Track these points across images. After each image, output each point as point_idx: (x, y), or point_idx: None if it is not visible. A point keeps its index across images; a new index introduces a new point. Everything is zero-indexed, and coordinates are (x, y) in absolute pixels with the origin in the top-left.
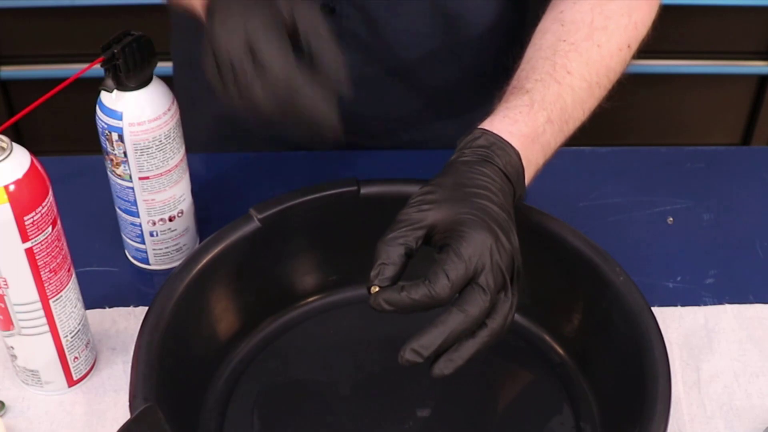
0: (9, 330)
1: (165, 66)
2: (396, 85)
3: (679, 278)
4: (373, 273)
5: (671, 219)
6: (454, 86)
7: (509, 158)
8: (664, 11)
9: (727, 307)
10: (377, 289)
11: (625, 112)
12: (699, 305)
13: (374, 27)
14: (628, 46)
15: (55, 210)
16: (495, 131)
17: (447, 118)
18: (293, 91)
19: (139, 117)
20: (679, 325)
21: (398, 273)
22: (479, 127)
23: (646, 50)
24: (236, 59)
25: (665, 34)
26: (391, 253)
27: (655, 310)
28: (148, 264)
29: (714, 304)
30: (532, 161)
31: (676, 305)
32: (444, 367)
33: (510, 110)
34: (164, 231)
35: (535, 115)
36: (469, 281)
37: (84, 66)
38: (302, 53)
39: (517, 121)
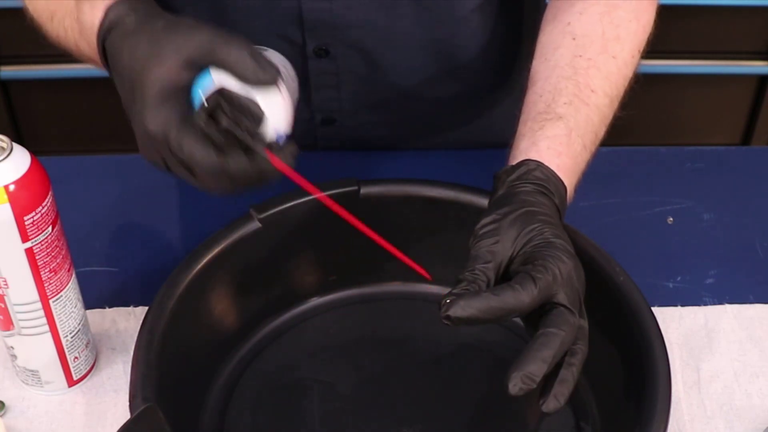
0: (9, 330)
1: None
2: (395, 109)
3: (679, 278)
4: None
5: (671, 219)
6: (454, 103)
7: (559, 192)
8: (665, 11)
9: (727, 307)
10: (451, 299)
11: (625, 112)
12: (699, 305)
13: (370, 61)
14: (639, 51)
15: (55, 210)
16: (545, 163)
17: (448, 130)
18: (227, 179)
19: None
20: (679, 325)
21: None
22: (530, 158)
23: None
24: (163, 167)
25: (665, 34)
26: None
27: (655, 310)
28: None
29: (714, 304)
30: (571, 194)
31: (676, 305)
32: (556, 402)
33: (551, 140)
34: None
35: (573, 146)
36: (549, 301)
37: (84, 66)
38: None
39: (561, 153)
